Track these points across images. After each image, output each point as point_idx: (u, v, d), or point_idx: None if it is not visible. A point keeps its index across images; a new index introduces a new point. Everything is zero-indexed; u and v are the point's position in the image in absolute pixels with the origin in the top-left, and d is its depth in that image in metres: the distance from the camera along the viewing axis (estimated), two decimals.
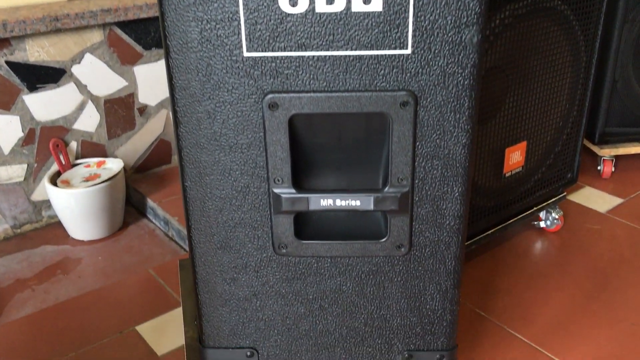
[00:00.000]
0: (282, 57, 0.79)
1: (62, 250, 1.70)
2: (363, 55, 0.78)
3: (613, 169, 1.91)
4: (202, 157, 0.85)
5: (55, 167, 1.77)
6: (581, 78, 1.51)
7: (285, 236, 0.89)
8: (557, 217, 1.63)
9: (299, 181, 0.87)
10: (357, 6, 0.76)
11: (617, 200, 1.80)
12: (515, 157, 1.44)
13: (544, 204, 1.59)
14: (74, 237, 1.75)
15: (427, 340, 0.96)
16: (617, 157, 1.93)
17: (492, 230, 1.47)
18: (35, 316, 1.40)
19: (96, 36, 1.76)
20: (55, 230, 1.79)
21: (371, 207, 0.86)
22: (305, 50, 0.78)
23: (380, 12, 0.76)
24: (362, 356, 0.97)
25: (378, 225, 0.90)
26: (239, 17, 0.77)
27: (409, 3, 0.76)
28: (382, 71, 0.79)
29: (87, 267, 1.62)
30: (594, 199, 1.81)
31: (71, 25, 1.68)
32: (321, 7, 0.76)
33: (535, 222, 1.66)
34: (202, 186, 0.87)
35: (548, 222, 1.64)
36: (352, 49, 0.78)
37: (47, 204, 1.80)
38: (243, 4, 0.76)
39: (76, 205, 1.67)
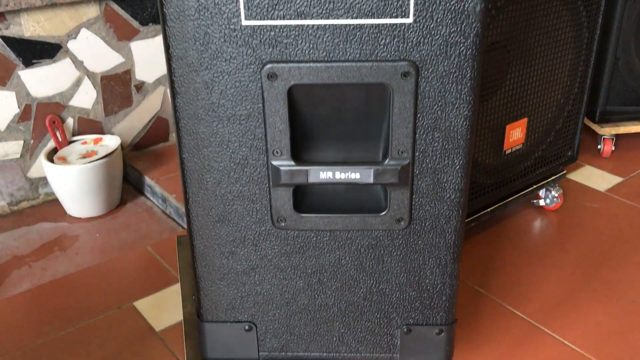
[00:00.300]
0: (281, 25, 0.77)
1: (59, 228, 1.69)
2: (364, 24, 0.77)
3: (613, 148, 1.90)
4: (200, 128, 0.84)
5: (51, 144, 1.75)
6: (583, 55, 1.49)
7: (284, 209, 0.88)
8: (556, 195, 1.62)
9: (298, 153, 0.86)
10: None
11: (616, 179, 1.79)
12: (515, 134, 1.43)
13: (543, 182, 1.58)
14: (71, 214, 1.74)
15: (426, 315, 0.95)
16: (617, 136, 1.92)
17: (492, 208, 1.46)
18: (33, 292, 1.39)
19: (92, 11, 1.73)
20: (52, 207, 1.78)
21: (371, 180, 0.85)
22: (305, 18, 0.77)
23: None
24: (361, 330, 0.96)
25: (378, 198, 0.89)
26: None
27: None
28: (383, 40, 0.78)
29: (84, 244, 1.61)
30: (594, 177, 1.80)
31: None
32: None
33: (535, 201, 1.65)
34: (200, 158, 0.85)
35: (547, 201, 1.63)
36: (352, 18, 0.77)
37: (43, 181, 1.79)
38: None
39: (73, 182, 1.66)
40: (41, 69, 1.69)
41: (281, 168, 0.85)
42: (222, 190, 0.87)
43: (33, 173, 1.77)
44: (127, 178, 1.90)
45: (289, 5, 0.76)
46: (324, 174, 0.85)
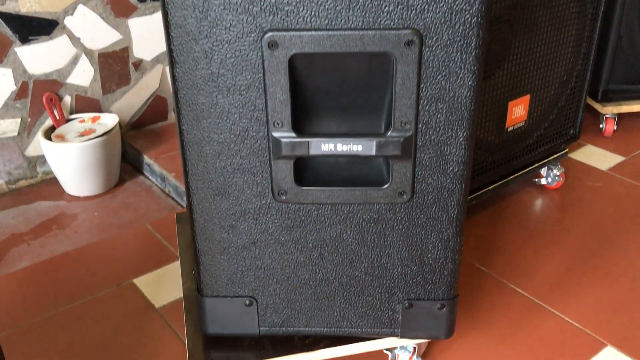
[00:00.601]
0: None
1: (57, 206, 1.68)
2: None
3: (615, 127, 1.89)
4: (199, 99, 0.82)
5: (49, 122, 1.73)
6: (586, 31, 1.47)
7: (284, 182, 0.86)
8: (558, 173, 1.61)
9: (300, 125, 0.84)
10: None
11: (618, 158, 1.78)
12: (518, 111, 1.41)
13: (545, 160, 1.57)
14: (69, 193, 1.73)
15: (428, 290, 0.94)
16: (619, 115, 1.91)
17: (493, 186, 1.45)
18: (32, 269, 1.38)
19: None
20: (50, 186, 1.76)
21: (373, 152, 0.84)
22: None
23: None
24: (362, 305, 0.96)
25: (380, 171, 0.88)
26: None
27: None
28: (387, 8, 0.76)
29: (83, 222, 1.60)
30: (596, 157, 1.79)
31: None
32: None
33: (536, 179, 1.64)
34: (200, 130, 0.84)
35: (549, 179, 1.62)
36: None
37: (41, 159, 1.77)
38: None
39: (71, 160, 1.64)
40: (38, 46, 1.67)
41: (282, 140, 0.83)
42: (222, 163, 0.86)
43: (31, 151, 1.75)
44: (125, 157, 1.89)
45: None
46: (326, 146, 0.84)
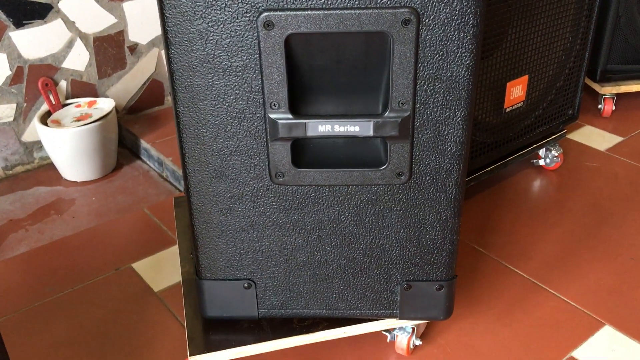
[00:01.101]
0: None
1: (55, 192, 1.67)
2: None
3: (614, 108, 1.88)
4: (195, 80, 0.81)
5: (45, 107, 1.72)
6: (585, 10, 1.46)
7: (282, 164, 0.86)
8: (556, 154, 1.60)
9: (296, 106, 0.84)
10: None
11: (617, 139, 1.78)
12: (516, 92, 1.40)
13: (544, 141, 1.56)
14: (66, 178, 1.72)
15: (427, 271, 0.94)
16: (618, 95, 1.90)
17: (491, 167, 1.45)
18: (31, 254, 1.38)
19: None
20: (47, 171, 1.76)
21: (371, 132, 0.83)
22: None
23: None
24: (361, 287, 0.96)
25: (378, 152, 0.87)
26: None
27: None
28: None
29: (80, 207, 1.60)
30: (594, 137, 1.79)
31: None
32: None
33: (535, 160, 1.64)
34: (196, 112, 0.83)
35: (547, 160, 1.62)
36: None
37: (38, 145, 1.77)
38: None
39: (68, 145, 1.64)
40: (32, 30, 1.66)
41: (279, 121, 0.83)
42: (218, 145, 0.85)
43: (27, 137, 1.75)
44: (122, 142, 1.88)
45: None
46: (323, 127, 0.83)
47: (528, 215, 1.45)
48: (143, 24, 1.85)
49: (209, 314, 0.98)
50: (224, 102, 0.83)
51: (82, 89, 1.80)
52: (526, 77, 1.41)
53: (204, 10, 0.77)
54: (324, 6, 0.76)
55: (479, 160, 1.41)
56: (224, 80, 0.81)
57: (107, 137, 1.69)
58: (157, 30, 1.88)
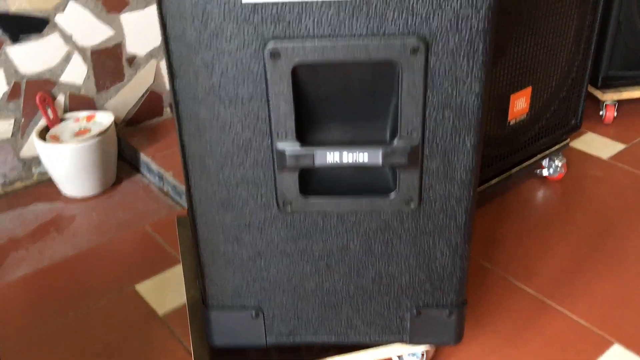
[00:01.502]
0: (283, 2, 0.73)
1: (54, 208, 1.66)
2: None
3: (615, 114, 1.87)
4: (201, 111, 0.80)
5: (43, 122, 1.70)
6: (587, 20, 1.45)
7: (289, 193, 0.85)
8: (560, 165, 1.59)
9: (304, 135, 0.82)
10: None
11: (619, 147, 1.77)
12: (520, 104, 1.39)
13: (547, 152, 1.55)
14: (66, 194, 1.70)
15: (437, 297, 0.93)
16: (619, 101, 1.89)
17: (496, 180, 1.44)
18: (33, 276, 1.37)
19: None
20: (46, 187, 1.74)
21: (380, 161, 0.82)
22: None
23: None
24: (370, 314, 0.94)
25: (386, 179, 0.86)
26: None
27: None
28: (391, 15, 0.74)
29: (81, 224, 1.58)
30: (596, 145, 1.78)
31: None
32: None
33: (538, 170, 1.63)
34: (202, 142, 0.82)
35: (551, 170, 1.61)
36: None
37: (37, 160, 1.75)
38: None
39: (67, 161, 1.62)
40: (29, 45, 1.64)
41: (286, 151, 0.81)
42: (225, 175, 0.84)
43: (26, 152, 1.73)
44: (121, 155, 1.86)
45: None
46: (331, 157, 0.82)
47: (533, 227, 1.44)
48: (141, 35, 1.83)
49: (216, 343, 0.97)
50: (230, 132, 0.81)
51: (80, 102, 1.78)
52: (529, 88, 1.40)
53: (209, 40, 0.76)
54: (331, 36, 0.75)
55: (482, 174, 1.40)
56: (230, 110, 0.80)
57: (106, 152, 1.67)
58: (155, 42, 1.86)
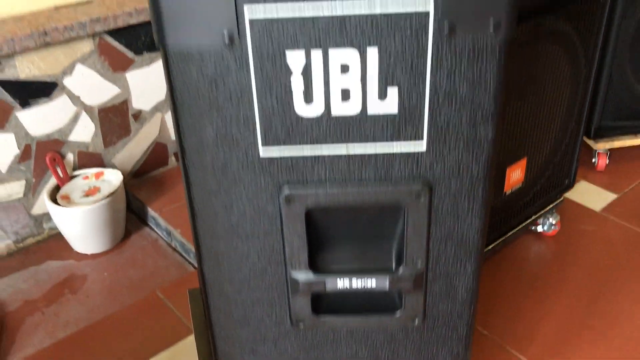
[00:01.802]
0: (297, 156, 0.79)
1: (67, 266, 1.71)
2: (379, 153, 0.79)
3: (607, 162, 1.94)
4: (220, 245, 0.86)
5: (53, 181, 1.75)
6: (580, 89, 1.51)
7: (302, 312, 0.91)
8: (554, 222, 1.66)
9: (315, 263, 0.88)
10: (373, 109, 0.76)
11: (611, 196, 1.83)
12: (515, 175, 1.45)
13: (542, 212, 1.61)
14: (77, 250, 1.76)
15: None
16: (611, 149, 1.95)
17: (492, 245, 1.50)
18: (49, 350, 1.42)
19: (86, 46, 1.71)
20: (57, 242, 1.79)
21: (387, 287, 0.88)
22: (321, 149, 0.78)
23: (396, 114, 0.76)
24: None
25: (392, 298, 0.92)
26: (255, 120, 0.76)
27: (424, 104, 0.76)
28: (398, 165, 0.80)
29: (93, 284, 1.64)
30: (589, 195, 1.84)
31: (60, 38, 1.63)
32: (337, 110, 0.76)
33: (533, 227, 1.69)
34: (220, 271, 0.88)
35: (545, 227, 1.67)
36: (368, 147, 0.78)
37: (47, 216, 1.80)
38: (259, 108, 0.75)
39: (78, 222, 1.67)
40: (38, 108, 1.69)
41: (300, 279, 0.87)
42: (242, 297, 0.90)
43: (36, 210, 1.78)
44: (129, 206, 1.92)
45: (305, 137, 0.77)
46: (342, 283, 0.88)
47: (528, 288, 1.51)
48: (146, 91, 1.88)
49: None
50: (247, 262, 0.87)
51: (89, 159, 1.83)
52: (525, 159, 1.46)
53: (228, 187, 0.81)
54: (341, 184, 0.81)
55: None
56: (247, 244, 0.86)
57: (116, 209, 1.73)
58: (160, 96, 1.91)
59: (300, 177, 0.80)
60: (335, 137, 0.78)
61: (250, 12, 0.70)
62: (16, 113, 1.65)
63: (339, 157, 0.79)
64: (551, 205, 1.64)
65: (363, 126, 0.77)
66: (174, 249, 1.76)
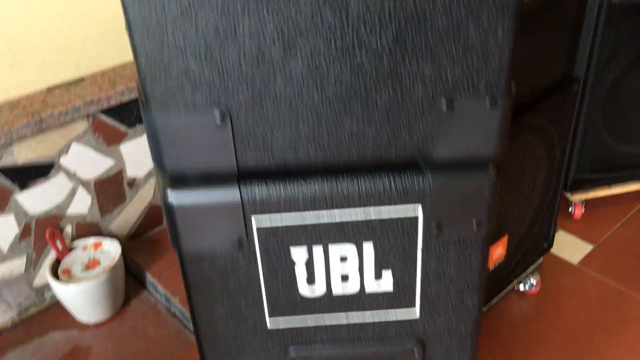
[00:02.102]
0: (301, 327, 0.86)
1: (70, 337, 1.78)
2: (376, 321, 0.87)
3: (583, 210, 2.04)
4: None
5: (53, 254, 1.81)
6: (556, 165, 1.59)
7: None
8: (534, 282, 1.75)
9: None
10: (370, 287, 0.83)
11: (588, 247, 1.93)
12: (497, 252, 1.54)
13: (522, 275, 1.71)
14: (79, 319, 1.82)
15: None
16: (586, 200, 2.05)
17: None
18: None
19: (81, 126, 1.76)
20: (59, 311, 1.86)
21: None
22: (324, 319, 0.86)
23: (391, 291, 0.84)
24: None
25: None
26: (262, 301, 0.84)
27: (416, 282, 0.83)
28: (393, 330, 0.88)
29: (98, 357, 1.71)
30: (567, 246, 1.94)
31: (56, 123, 1.68)
32: (337, 290, 0.83)
33: (515, 287, 1.78)
34: None
35: (527, 287, 1.77)
36: (366, 316, 0.86)
37: (48, 286, 1.86)
38: (266, 291, 0.83)
39: (80, 296, 1.74)
40: (36, 189, 1.74)
41: None
42: None
43: (38, 281, 1.84)
44: (128, 269, 1.98)
45: (308, 311, 0.85)
46: None
47: (509, 352, 1.61)
48: (140, 159, 1.93)
49: None
50: None
51: (87, 228, 1.89)
52: (506, 236, 1.55)
53: (237, 351, 0.89)
54: (342, 345, 0.89)
55: None
56: None
57: (116, 280, 1.79)
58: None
59: (304, 343, 0.88)
60: (336, 308, 0.85)
61: (258, 222, 0.77)
62: (15, 196, 1.70)
63: (340, 326, 0.87)
64: (531, 268, 1.73)
65: (361, 302, 0.85)
66: (174, 315, 1.83)
